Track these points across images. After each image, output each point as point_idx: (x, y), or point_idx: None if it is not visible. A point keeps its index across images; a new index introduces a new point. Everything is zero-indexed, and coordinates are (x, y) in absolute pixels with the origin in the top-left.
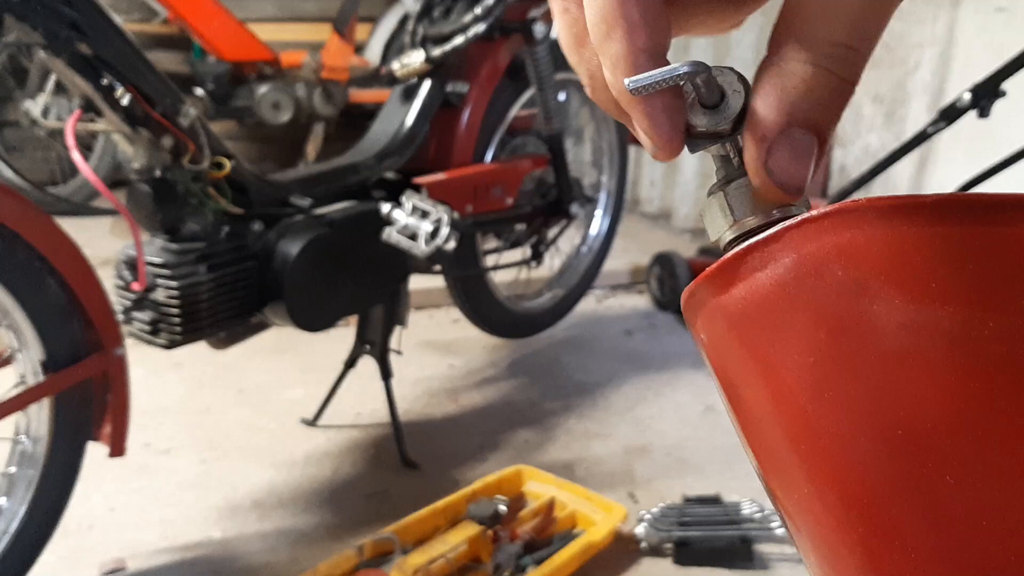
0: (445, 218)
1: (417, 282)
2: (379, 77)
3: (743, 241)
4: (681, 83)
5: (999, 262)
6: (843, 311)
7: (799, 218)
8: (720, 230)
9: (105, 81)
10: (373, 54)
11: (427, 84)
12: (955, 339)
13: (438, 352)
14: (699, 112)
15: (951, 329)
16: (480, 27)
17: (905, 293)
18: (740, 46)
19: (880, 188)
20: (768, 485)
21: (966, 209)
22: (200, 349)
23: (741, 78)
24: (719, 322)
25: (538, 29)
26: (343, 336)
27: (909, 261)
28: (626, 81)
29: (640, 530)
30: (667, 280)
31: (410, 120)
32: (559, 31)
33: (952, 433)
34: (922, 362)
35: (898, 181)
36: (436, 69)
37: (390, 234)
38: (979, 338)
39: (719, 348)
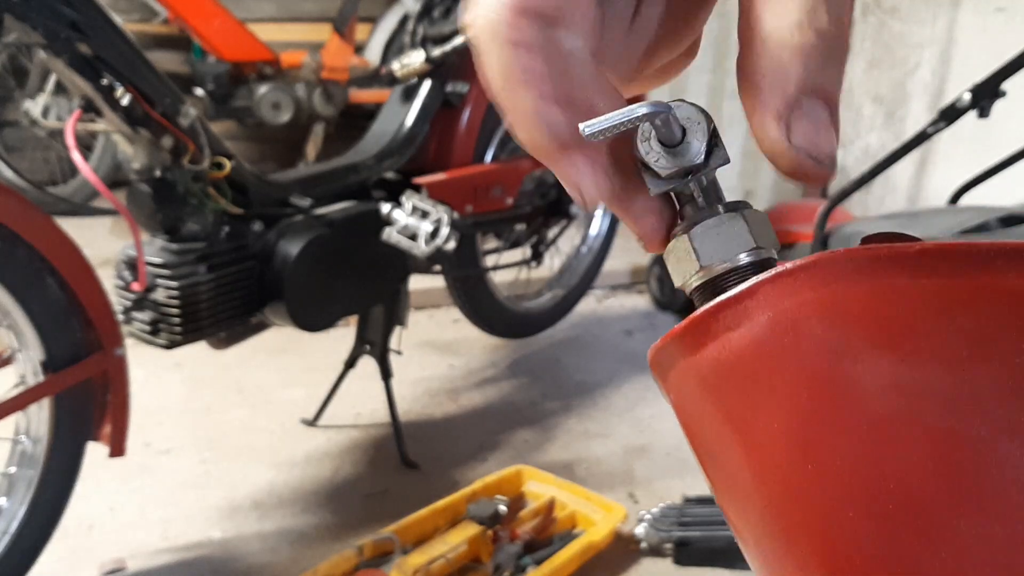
0: (445, 218)
1: (417, 282)
2: (379, 77)
3: (710, 288)
4: (639, 125)
5: (988, 315)
6: (825, 372)
7: (773, 272)
8: (685, 276)
9: (105, 81)
10: (373, 54)
11: (427, 84)
12: (946, 399)
13: (438, 352)
14: (661, 153)
15: (941, 389)
16: None
17: (890, 351)
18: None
19: (880, 188)
20: (747, 552)
21: (951, 259)
22: (200, 349)
23: (700, 109)
24: (691, 383)
25: None
26: (343, 336)
27: (893, 317)
28: (581, 126)
29: (640, 530)
30: (667, 280)
31: (410, 120)
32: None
33: (946, 501)
34: (912, 425)
35: (898, 181)
36: (436, 69)
37: (390, 234)
38: (972, 398)
39: (692, 410)
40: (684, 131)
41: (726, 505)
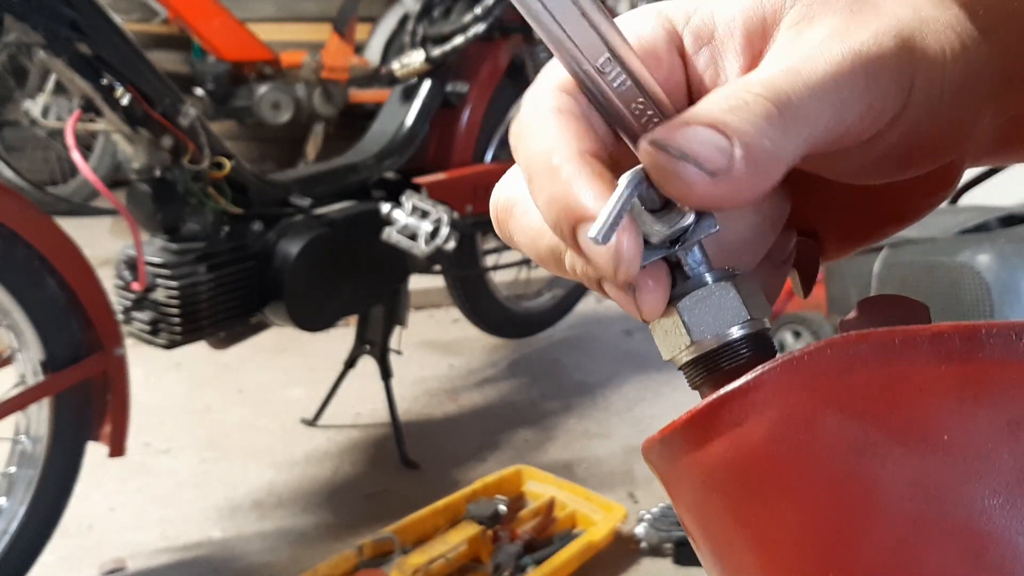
0: (445, 218)
1: (417, 282)
2: (379, 77)
3: (703, 364)
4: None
5: (1017, 403)
6: (842, 471)
7: (780, 361)
8: (674, 350)
9: (105, 81)
10: (373, 54)
11: (427, 84)
12: (975, 498)
13: (438, 352)
14: (649, 220)
15: (971, 488)
16: (480, 27)
17: (912, 447)
18: None
19: None
20: None
21: (970, 342)
22: (200, 349)
23: None
24: (695, 482)
25: None
26: (343, 336)
27: (912, 407)
28: (590, 235)
29: (640, 530)
30: None
31: (410, 120)
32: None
33: None
34: (940, 527)
35: None
36: (436, 69)
37: (390, 234)
38: (1003, 492)
39: (696, 511)
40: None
41: None
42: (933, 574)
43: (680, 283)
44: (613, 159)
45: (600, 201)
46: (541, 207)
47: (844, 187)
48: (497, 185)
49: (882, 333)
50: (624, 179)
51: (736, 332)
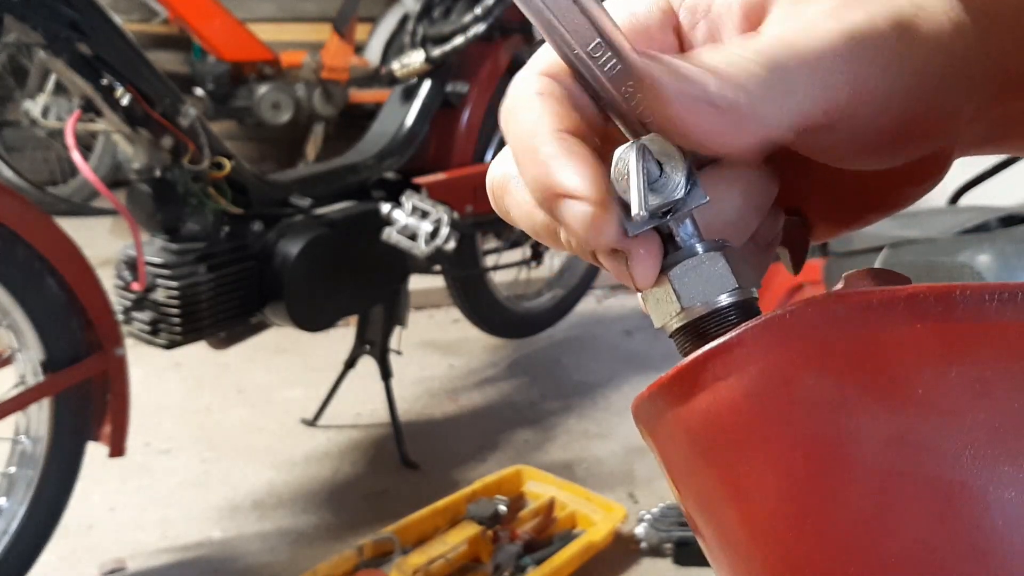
0: (445, 218)
1: (417, 282)
2: (379, 77)
3: (692, 331)
4: (623, 165)
5: (986, 360)
6: (820, 426)
7: (763, 319)
8: (665, 317)
9: (105, 81)
10: (373, 54)
11: (427, 84)
12: (947, 450)
13: (438, 352)
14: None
15: (941, 439)
16: (480, 27)
17: (887, 402)
18: None
19: None
20: None
21: (944, 303)
22: (200, 349)
23: (674, 145)
24: (679, 438)
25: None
26: (343, 336)
27: (888, 365)
28: (629, 226)
29: (640, 530)
30: None
31: (410, 120)
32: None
33: (953, 557)
34: (913, 479)
35: None
36: (436, 69)
37: (390, 234)
38: (974, 447)
39: (680, 465)
40: (661, 166)
41: (719, 565)
42: (907, 526)
43: (672, 253)
44: (602, 137)
45: (577, 177)
46: (528, 185)
47: (833, 171)
48: (492, 162)
49: (860, 293)
50: (628, 154)
51: (725, 300)
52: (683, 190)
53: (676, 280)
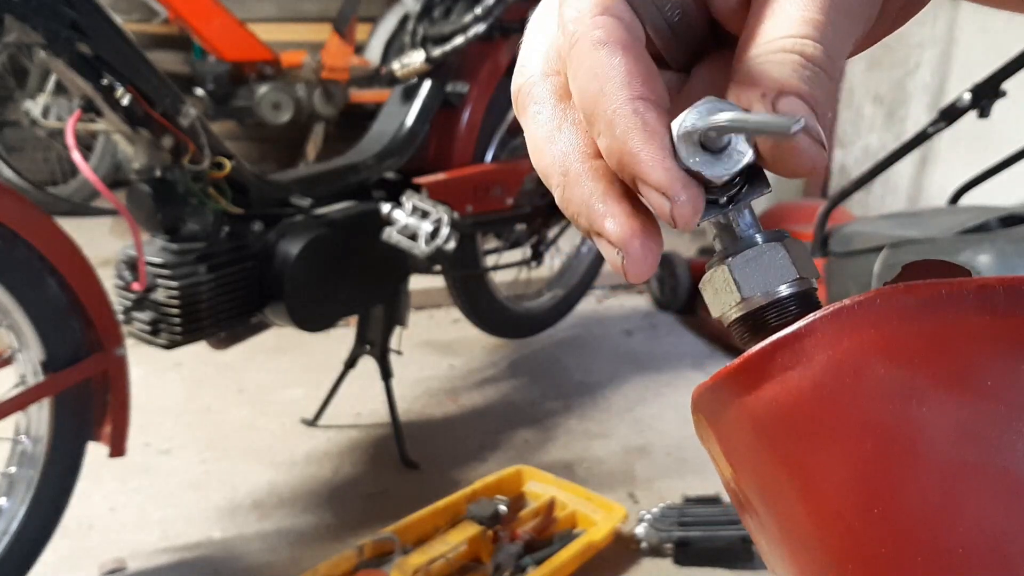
0: (445, 218)
1: (417, 282)
2: (379, 77)
3: (751, 321)
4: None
5: None
6: (889, 415)
7: (831, 309)
8: (724, 307)
9: (105, 81)
10: (373, 54)
11: (427, 84)
12: (1018, 444)
13: (438, 352)
14: (704, 159)
15: (1012, 432)
16: (480, 27)
17: (957, 393)
18: None
19: (880, 188)
20: None
21: (1015, 294)
22: (200, 349)
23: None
24: (744, 427)
25: None
26: (343, 336)
27: (957, 356)
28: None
29: (640, 530)
30: (667, 280)
31: (410, 120)
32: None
33: (1023, 554)
34: (983, 472)
35: (898, 181)
36: (436, 69)
37: (390, 234)
38: None
39: (744, 456)
40: (728, 139)
41: (779, 555)
42: (975, 517)
43: (731, 243)
44: (665, 80)
45: (656, 161)
46: (603, 151)
47: None
48: (518, 69)
49: (929, 285)
50: (715, 106)
51: (785, 290)
52: (744, 157)
53: (736, 269)
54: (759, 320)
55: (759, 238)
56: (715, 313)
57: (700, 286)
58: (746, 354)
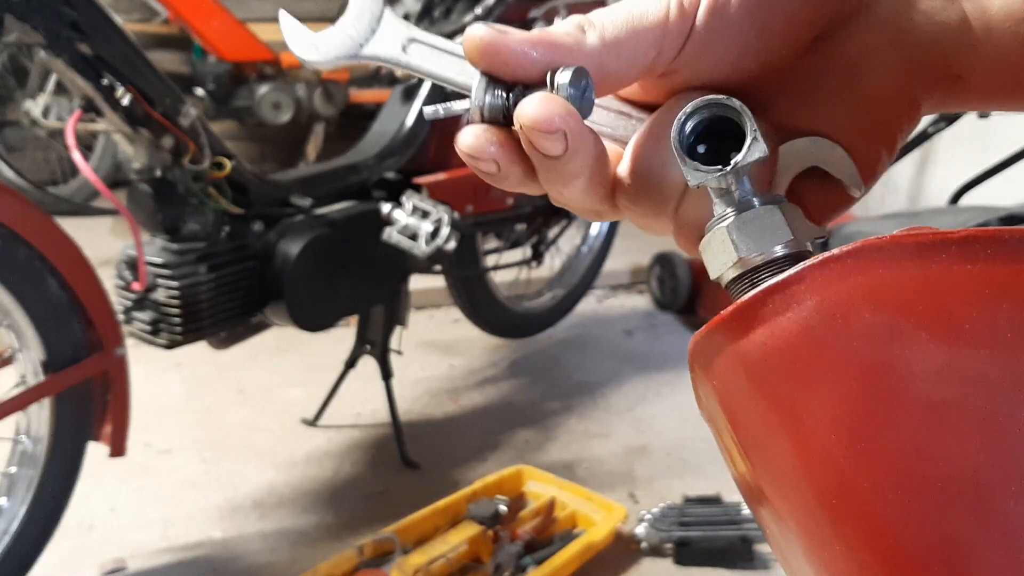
0: (445, 218)
1: (417, 282)
2: (379, 77)
3: (748, 279)
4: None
5: None
6: (874, 357)
7: (821, 257)
8: (722, 267)
9: (105, 81)
10: None
11: (427, 84)
12: (996, 384)
13: (438, 352)
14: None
15: (991, 374)
16: None
17: (939, 336)
18: None
19: (880, 188)
20: (787, 546)
21: (997, 245)
22: (200, 349)
23: (738, 102)
24: (737, 371)
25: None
26: (343, 336)
27: (942, 302)
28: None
29: (640, 530)
30: (667, 280)
31: (410, 120)
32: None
33: (1000, 485)
34: (963, 410)
35: (898, 181)
36: None
37: (390, 234)
38: (1021, 383)
39: (736, 399)
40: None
41: (769, 496)
42: (955, 453)
43: (730, 206)
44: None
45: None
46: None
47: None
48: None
49: (916, 235)
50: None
51: (780, 251)
52: (743, 145)
53: (734, 231)
54: (755, 279)
55: (756, 201)
56: (713, 274)
57: (700, 248)
58: (739, 301)
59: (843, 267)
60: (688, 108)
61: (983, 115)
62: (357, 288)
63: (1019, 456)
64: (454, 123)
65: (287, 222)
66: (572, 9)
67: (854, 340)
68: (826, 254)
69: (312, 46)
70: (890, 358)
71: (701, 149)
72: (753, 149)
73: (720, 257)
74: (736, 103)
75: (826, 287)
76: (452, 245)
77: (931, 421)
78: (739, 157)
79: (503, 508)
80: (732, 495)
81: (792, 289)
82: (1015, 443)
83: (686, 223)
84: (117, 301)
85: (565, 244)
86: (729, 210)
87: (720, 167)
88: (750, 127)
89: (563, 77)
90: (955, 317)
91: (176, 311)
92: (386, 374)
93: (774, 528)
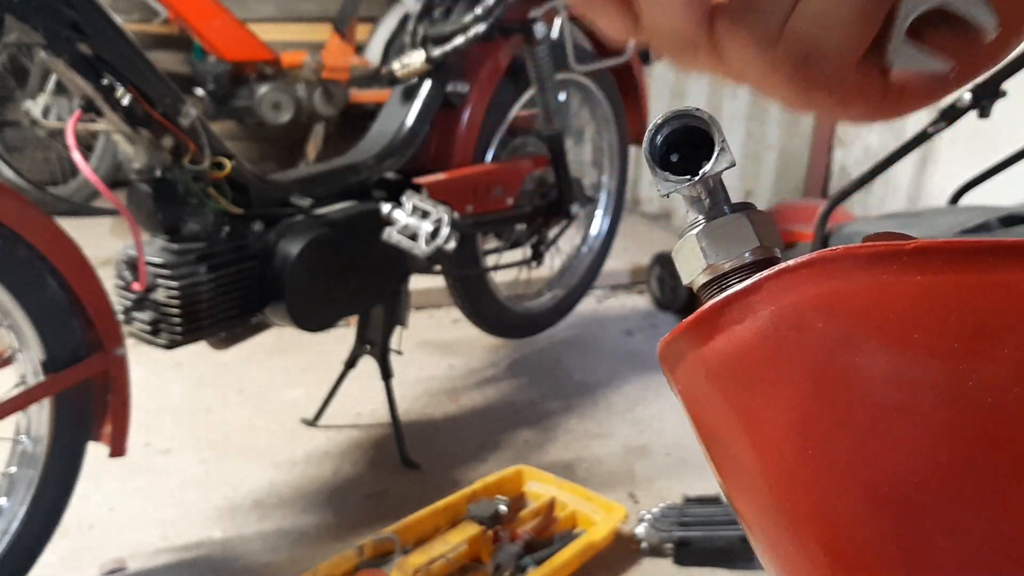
0: (445, 218)
1: (417, 282)
2: (379, 77)
3: (717, 285)
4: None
5: (983, 310)
6: (826, 364)
7: (777, 268)
8: (692, 273)
9: (105, 81)
10: (373, 54)
11: (427, 84)
12: (942, 392)
13: (438, 352)
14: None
15: (938, 381)
16: (480, 27)
17: (889, 345)
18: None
19: (880, 188)
20: (753, 540)
21: (946, 256)
22: (200, 349)
23: (707, 114)
24: (699, 375)
25: (538, 29)
26: (343, 336)
27: (891, 311)
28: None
29: (640, 530)
30: (667, 280)
31: (410, 120)
32: None
33: (942, 490)
34: (909, 416)
35: (898, 181)
36: (436, 69)
37: (390, 234)
38: (967, 390)
39: (699, 401)
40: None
41: (732, 494)
42: (899, 457)
43: (700, 214)
44: None
45: None
46: None
47: None
48: None
49: (870, 247)
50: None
51: (748, 257)
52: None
53: (703, 238)
54: (723, 285)
55: (726, 209)
56: (685, 279)
57: (672, 254)
58: (700, 309)
59: (798, 278)
60: (659, 120)
61: (983, 115)
62: (357, 288)
63: (960, 461)
64: (454, 123)
65: (287, 222)
66: (572, 9)
67: (807, 348)
68: (782, 265)
69: None
70: (841, 365)
71: (674, 158)
72: (720, 160)
73: (691, 263)
74: (705, 115)
75: (781, 297)
76: (452, 245)
77: (878, 426)
78: (707, 167)
79: (503, 508)
80: None
81: (749, 299)
82: (959, 450)
83: (794, 41)
84: (117, 301)
85: (565, 244)
86: (700, 217)
87: (689, 177)
88: (718, 138)
89: None
90: (904, 326)
91: (176, 311)
92: (386, 374)
93: (742, 522)
